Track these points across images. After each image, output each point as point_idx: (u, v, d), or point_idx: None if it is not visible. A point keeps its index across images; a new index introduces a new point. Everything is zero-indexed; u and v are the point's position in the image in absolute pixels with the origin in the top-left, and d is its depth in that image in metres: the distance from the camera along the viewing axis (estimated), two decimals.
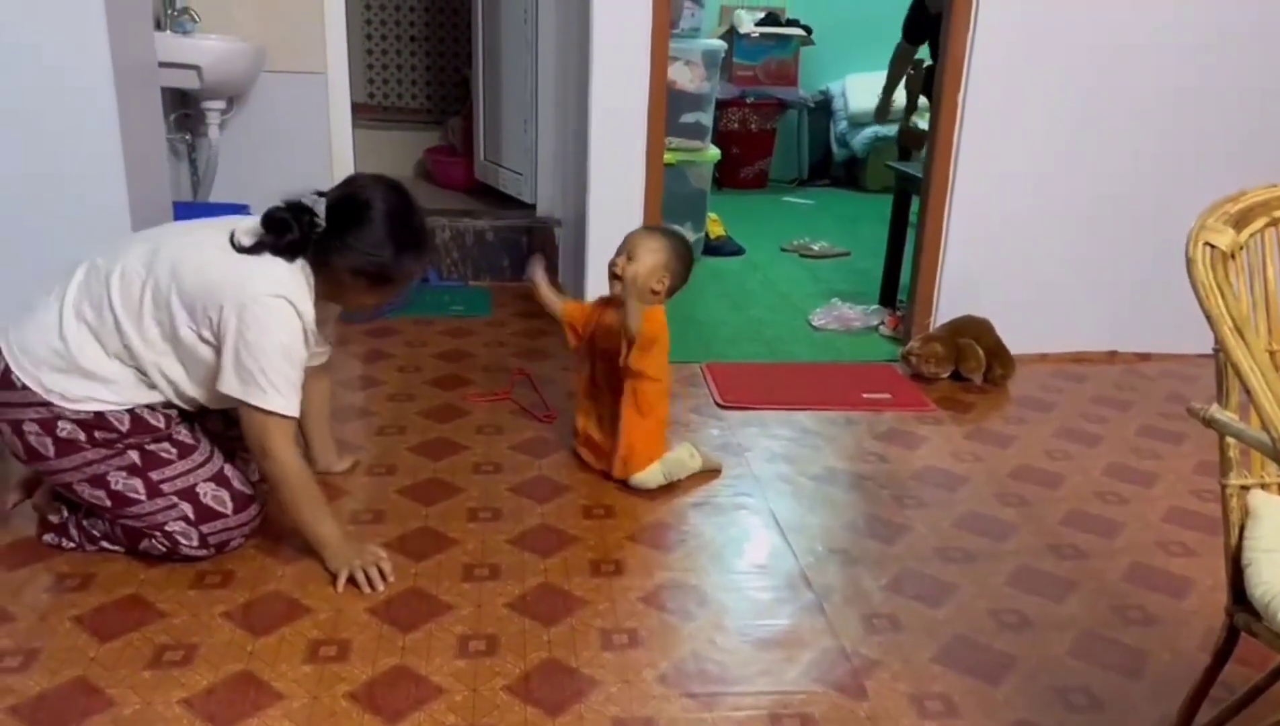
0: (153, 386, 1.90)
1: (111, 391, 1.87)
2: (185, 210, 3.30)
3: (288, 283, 1.87)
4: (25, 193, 2.55)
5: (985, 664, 1.78)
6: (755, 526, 2.24)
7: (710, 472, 2.45)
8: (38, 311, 1.89)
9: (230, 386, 1.83)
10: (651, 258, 2.29)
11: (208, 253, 1.90)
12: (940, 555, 2.14)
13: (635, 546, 2.13)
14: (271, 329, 1.83)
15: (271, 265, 1.87)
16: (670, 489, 2.37)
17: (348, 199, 1.92)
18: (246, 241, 1.89)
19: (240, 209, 3.51)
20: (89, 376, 1.85)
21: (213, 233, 1.93)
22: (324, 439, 2.35)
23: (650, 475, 2.34)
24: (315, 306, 1.94)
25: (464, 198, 4.57)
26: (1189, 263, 1.24)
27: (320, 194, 1.93)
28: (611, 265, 2.32)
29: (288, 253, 1.88)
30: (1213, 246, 1.24)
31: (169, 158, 3.21)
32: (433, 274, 3.94)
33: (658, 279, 2.30)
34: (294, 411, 1.87)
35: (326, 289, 1.95)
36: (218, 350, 1.85)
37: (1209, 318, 1.21)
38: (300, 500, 1.91)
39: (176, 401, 1.95)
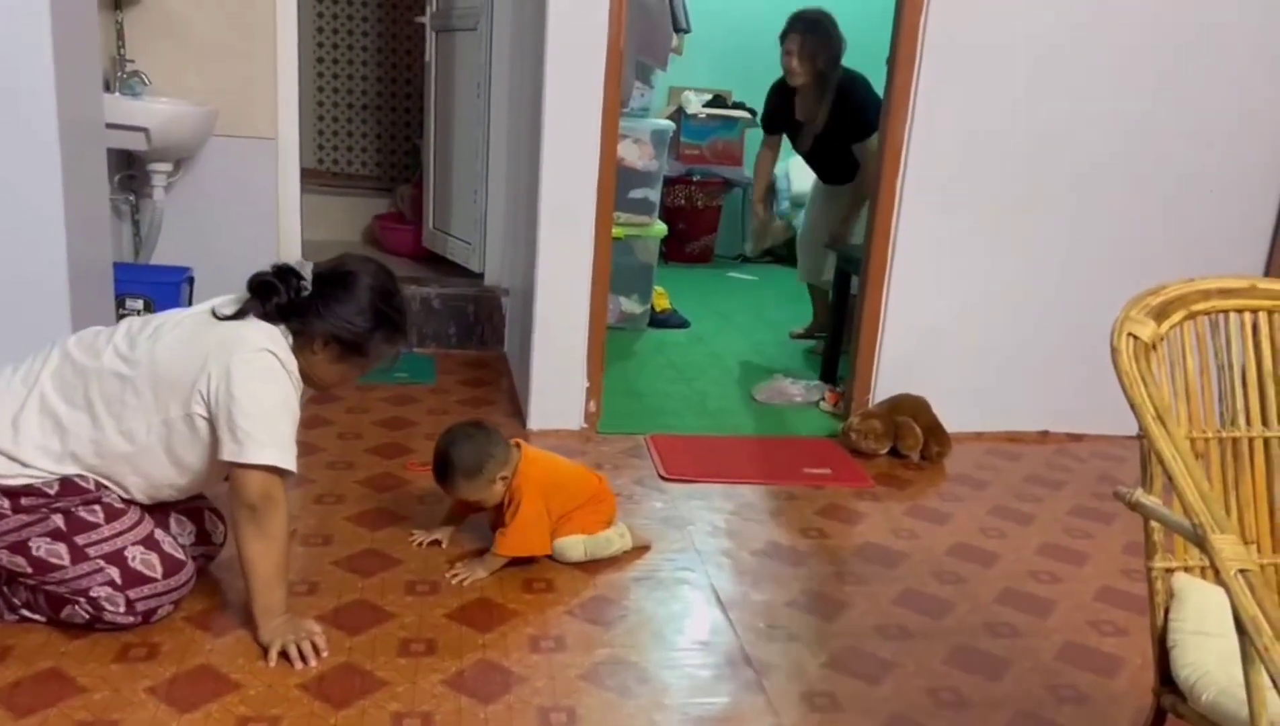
0: (95, 479, 1.87)
1: (43, 474, 1.83)
2: (126, 271, 3.26)
3: (271, 339, 1.87)
4: None
5: None
6: (696, 602, 2.24)
7: (640, 549, 2.44)
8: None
9: (228, 451, 1.80)
10: (477, 490, 2.26)
11: (186, 329, 1.90)
12: (879, 632, 2.15)
13: (575, 621, 2.11)
14: (260, 383, 1.82)
15: (253, 326, 1.88)
16: (613, 562, 2.36)
17: (336, 269, 1.96)
18: (229, 310, 1.90)
19: (183, 271, 3.48)
20: (23, 465, 1.81)
21: (190, 314, 1.95)
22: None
23: (570, 546, 2.32)
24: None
25: (412, 265, 4.58)
26: (1114, 352, 1.29)
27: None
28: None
29: (274, 316, 1.89)
30: (1135, 337, 1.29)
31: (111, 218, 3.17)
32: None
33: (501, 487, 2.27)
34: (292, 465, 1.85)
35: (296, 358, 1.93)
36: (211, 431, 1.83)
37: (1133, 406, 1.26)
38: (274, 554, 1.87)
39: (128, 495, 1.91)
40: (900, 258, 3.31)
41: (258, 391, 1.83)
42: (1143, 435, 1.29)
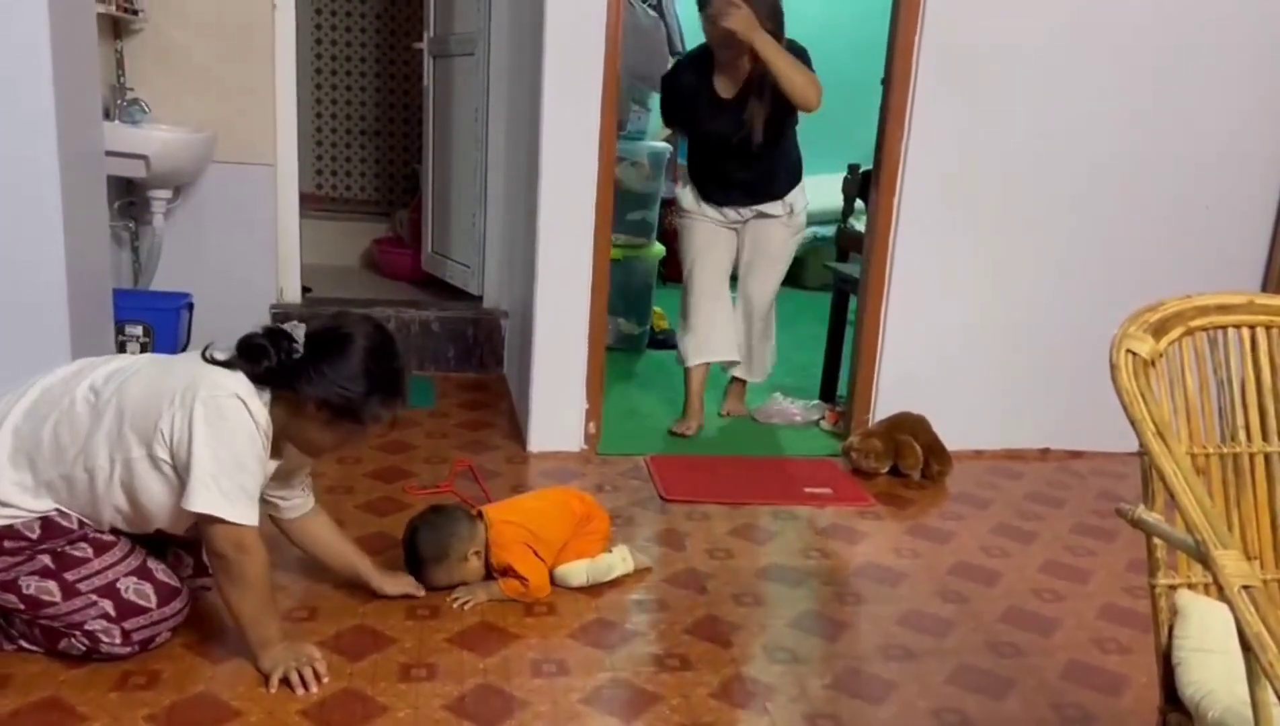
0: (76, 516, 1.85)
1: (21, 513, 1.80)
2: (125, 298, 3.26)
3: (241, 385, 1.81)
4: None
5: None
6: (697, 623, 2.23)
7: (641, 572, 2.43)
8: None
9: (191, 502, 1.76)
10: (450, 574, 2.24)
11: (162, 367, 1.87)
12: (882, 653, 2.14)
13: (577, 645, 2.10)
14: (222, 430, 1.77)
15: (228, 373, 1.82)
16: (614, 584, 2.35)
17: (330, 330, 1.88)
18: (220, 356, 1.86)
19: (182, 297, 3.48)
20: (1, 503, 1.79)
21: (175, 356, 1.92)
22: (365, 563, 2.21)
23: (574, 572, 2.31)
24: (280, 452, 1.92)
25: (410, 288, 4.59)
26: (1113, 369, 1.29)
27: (301, 321, 1.90)
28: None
29: (263, 381, 1.83)
30: (1134, 353, 1.29)
31: (111, 245, 3.18)
32: None
33: (476, 562, 2.26)
34: (242, 518, 1.79)
35: (287, 422, 1.88)
36: (174, 475, 1.79)
37: (1133, 422, 1.26)
38: (255, 596, 1.86)
39: (106, 529, 1.89)
40: (898, 276, 3.32)
41: (218, 437, 1.76)
42: (1143, 452, 1.29)
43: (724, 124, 3.25)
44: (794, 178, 3.43)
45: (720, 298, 3.49)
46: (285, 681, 1.85)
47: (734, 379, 3.65)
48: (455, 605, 2.19)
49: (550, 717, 1.83)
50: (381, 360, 1.88)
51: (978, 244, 3.34)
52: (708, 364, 3.50)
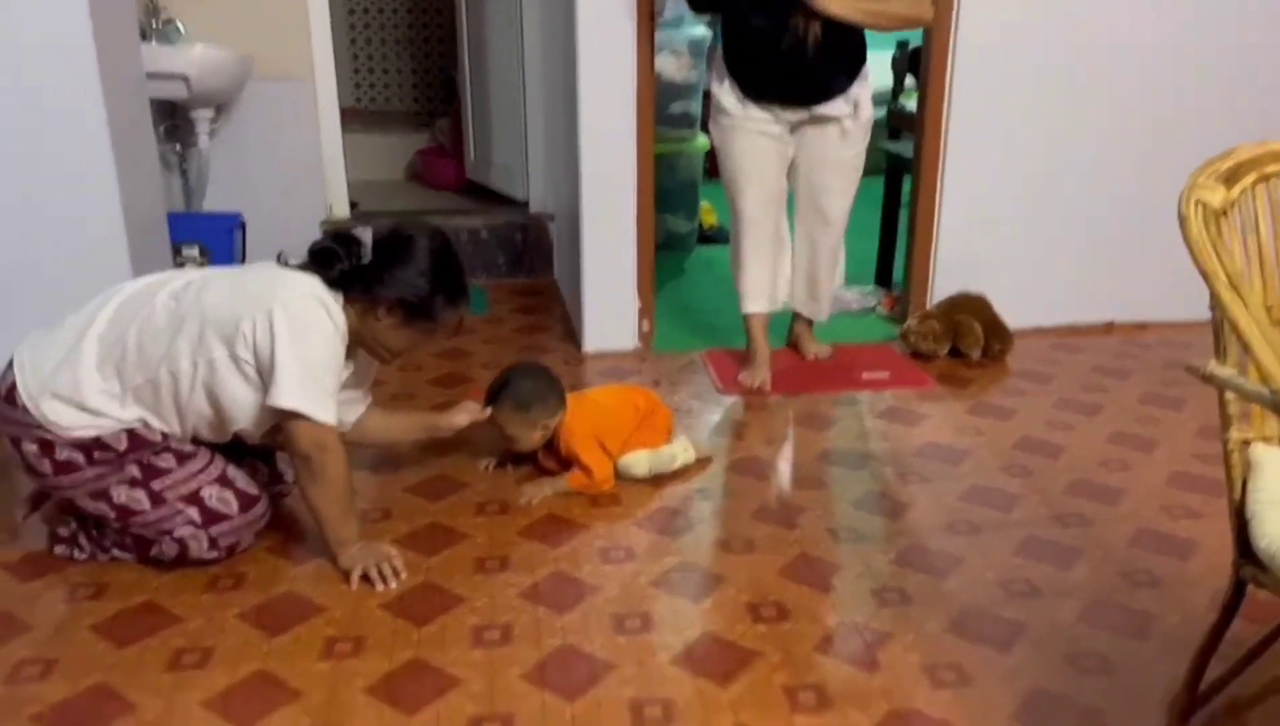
0: (160, 427, 1.91)
1: (110, 422, 1.87)
2: (179, 220, 3.31)
3: (319, 288, 1.88)
4: (21, 210, 2.55)
5: (996, 633, 1.79)
6: (761, 508, 2.25)
7: (702, 462, 2.45)
8: (59, 333, 1.89)
9: (268, 396, 1.83)
10: (517, 425, 2.30)
11: (239, 273, 1.94)
12: (947, 528, 2.15)
13: (643, 533, 2.14)
14: (303, 331, 1.83)
15: (305, 277, 1.89)
16: (676, 476, 2.38)
17: (394, 234, 1.96)
18: (293, 262, 1.93)
19: (233, 218, 3.52)
20: (93, 413, 1.85)
21: (255, 265, 1.98)
22: (425, 421, 2.35)
23: (636, 462, 2.35)
24: (352, 357, 1.99)
25: (456, 198, 4.58)
26: (1182, 221, 1.25)
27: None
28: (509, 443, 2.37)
29: (337, 284, 1.90)
30: (1204, 204, 1.25)
31: (161, 169, 3.21)
32: None
33: (540, 435, 2.31)
34: (324, 417, 1.86)
35: (360, 326, 1.95)
36: (256, 375, 1.84)
37: (1204, 275, 1.22)
38: (336, 497, 1.92)
39: (192, 436, 1.95)
40: (953, 153, 3.22)
41: (300, 339, 1.82)
42: (1215, 305, 1.26)
43: (769, 22, 2.64)
44: (857, 65, 2.76)
45: (778, 230, 2.99)
46: (365, 578, 1.92)
47: (798, 316, 3.19)
48: (523, 502, 2.24)
49: (621, 600, 1.88)
50: (445, 261, 1.97)
51: (1033, 115, 3.22)
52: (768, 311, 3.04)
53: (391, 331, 1.96)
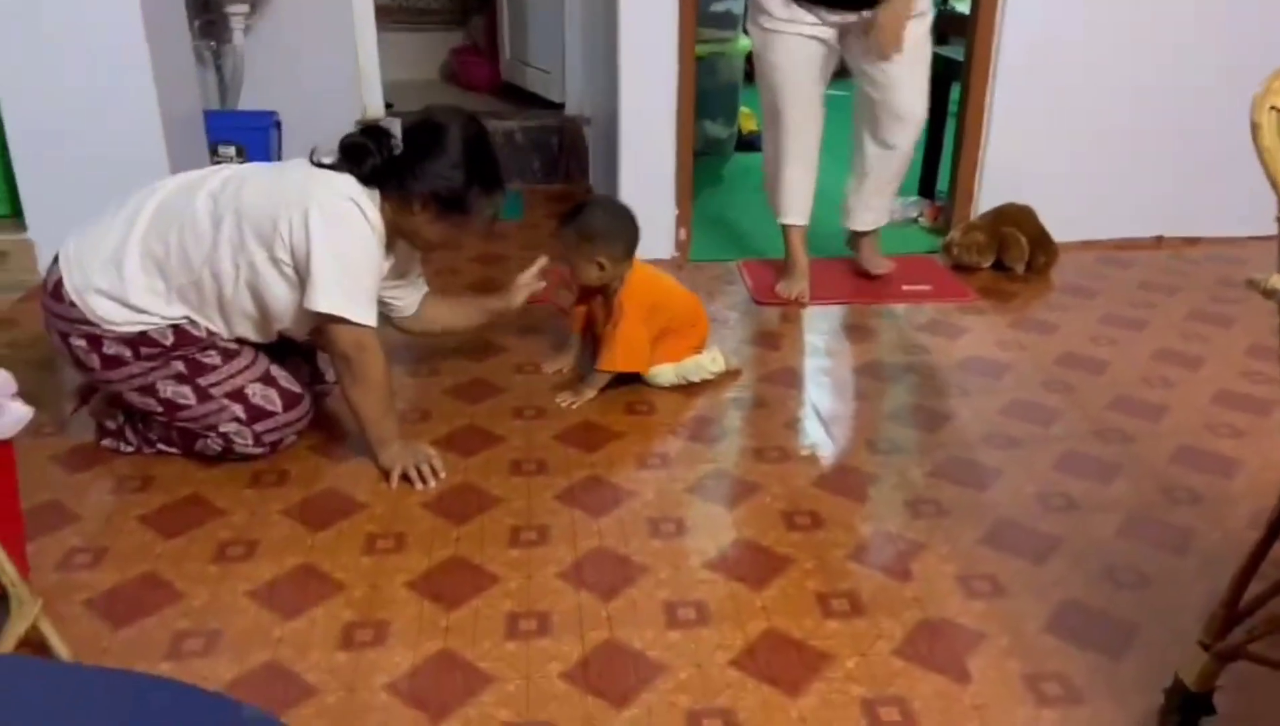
0: (205, 325, 1.92)
1: (155, 319, 1.88)
2: (215, 118, 3.28)
3: (353, 188, 1.86)
4: (60, 107, 2.55)
5: (1032, 545, 1.79)
6: (796, 419, 2.25)
7: (732, 373, 2.43)
8: (102, 230, 1.90)
9: (306, 298, 1.83)
10: (576, 254, 2.27)
11: (275, 171, 1.92)
12: (985, 442, 2.14)
13: (678, 440, 2.15)
14: (339, 232, 1.82)
15: (339, 176, 1.86)
16: (710, 385, 2.37)
17: (425, 123, 1.91)
18: (326, 160, 1.89)
19: (269, 116, 3.48)
20: (136, 311, 1.87)
21: (285, 162, 1.96)
22: (485, 305, 2.38)
23: (662, 373, 2.34)
24: (393, 249, 1.97)
25: (490, 99, 4.50)
26: (1254, 128, 1.19)
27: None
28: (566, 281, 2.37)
29: (371, 180, 1.87)
30: (1279, 110, 1.19)
31: (196, 66, 3.17)
32: None
33: (597, 273, 2.27)
34: (363, 318, 1.86)
35: (397, 220, 1.92)
36: (295, 275, 1.84)
37: (1274, 184, 1.17)
38: (376, 398, 1.94)
39: (236, 335, 1.96)
40: (1004, 59, 3.10)
41: (335, 240, 1.82)
42: None
43: None
44: None
45: (819, 141, 2.91)
46: (405, 478, 1.95)
47: (855, 232, 3.05)
48: (563, 405, 2.25)
49: (656, 506, 1.89)
50: (478, 150, 1.92)
51: (1088, 22, 3.08)
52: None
53: (428, 225, 1.94)
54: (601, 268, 2.26)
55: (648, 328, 2.29)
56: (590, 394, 2.28)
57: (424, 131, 1.89)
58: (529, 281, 2.34)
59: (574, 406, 2.25)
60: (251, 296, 1.89)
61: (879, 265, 3.04)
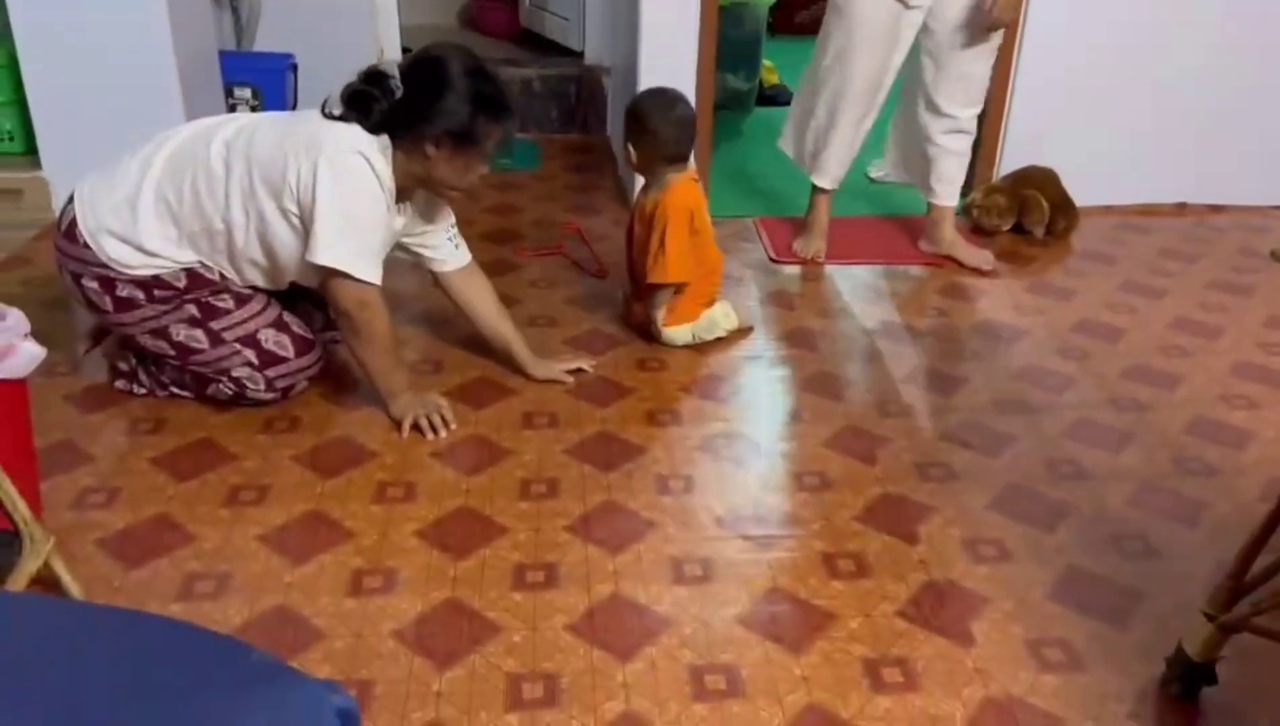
0: (218, 269, 1.92)
1: (168, 263, 1.88)
2: (231, 60, 3.25)
3: (362, 139, 1.84)
4: (75, 45, 2.53)
5: (1040, 512, 1.79)
6: (808, 378, 2.24)
7: (744, 331, 2.42)
8: (117, 172, 1.89)
9: (308, 251, 1.82)
10: (633, 141, 2.27)
11: (287, 122, 1.90)
12: (997, 407, 2.13)
13: (689, 398, 2.15)
14: (345, 186, 1.80)
15: (348, 128, 1.84)
16: (723, 343, 2.36)
17: (421, 60, 1.89)
18: (336, 110, 1.87)
19: (286, 58, 3.45)
20: (148, 254, 1.86)
21: (297, 111, 1.92)
22: (518, 342, 2.18)
23: (679, 333, 2.33)
24: (409, 197, 1.96)
25: (509, 46, 4.44)
26: None
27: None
28: None
29: (381, 127, 1.85)
30: None
31: (212, 6, 3.13)
32: None
33: (627, 154, 2.28)
34: (366, 274, 1.85)
35: (411, 166, 1.89)
36: (303, 227, 1.83)
37: None
38: (380, 351, 1.94)
39: (248, 282, 1.96)
40: (1031, 20, 3.04)
41: (342, 196, 1.80)
42: None
43: None
44: None
45: (877, 114, 2.78)
46: (416, 428, 1.95)
47: (932, 206, 2.89)
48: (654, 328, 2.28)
49: (667, 462, 1.90)
50: (478, 79, 1.87)
51: None
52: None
53: (444, 164, 1.90)
54: (631, 158, 2.28)
55: (690, 243, 2.25)
56: (662, 314, 2.28)
57: (423, 69, 1.86)
58: (560, 374, 2.16)
59: (661, 332, 2.28)
60: (261, 245, 1.88)
61: (974, 259, 2.80)
